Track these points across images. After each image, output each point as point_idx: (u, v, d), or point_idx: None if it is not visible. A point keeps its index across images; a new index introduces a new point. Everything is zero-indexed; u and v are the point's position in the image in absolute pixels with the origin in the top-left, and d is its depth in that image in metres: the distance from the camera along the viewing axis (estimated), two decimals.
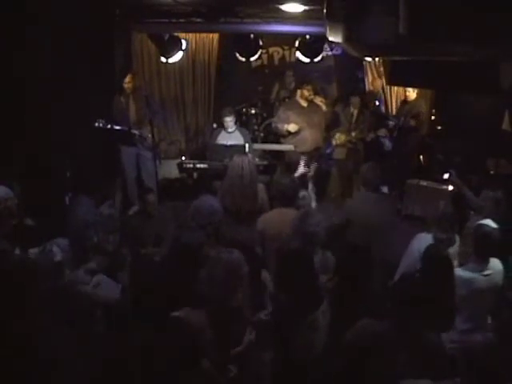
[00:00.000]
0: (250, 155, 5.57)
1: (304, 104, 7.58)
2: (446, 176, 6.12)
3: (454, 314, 3.79)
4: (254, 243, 4.44)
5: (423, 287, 3.39)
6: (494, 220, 4.47)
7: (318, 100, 7.78)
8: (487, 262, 4.15)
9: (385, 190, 7.58)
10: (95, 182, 6.04)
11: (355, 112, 8.03)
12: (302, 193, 5.27)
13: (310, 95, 7.55)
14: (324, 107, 7.81)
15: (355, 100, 8.15)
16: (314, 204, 7.18)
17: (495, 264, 4.18)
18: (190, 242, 3.80)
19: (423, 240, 4.43)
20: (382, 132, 8.04)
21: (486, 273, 4.11)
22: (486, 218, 4.77)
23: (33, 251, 3.89)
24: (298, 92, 7.69)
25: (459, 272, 4.16)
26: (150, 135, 6.98)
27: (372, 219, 4.83)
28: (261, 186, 5.45)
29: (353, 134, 7.84)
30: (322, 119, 7.73)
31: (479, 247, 4.16)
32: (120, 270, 4.04)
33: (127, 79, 7.17)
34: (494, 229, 4.21)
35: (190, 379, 2.82)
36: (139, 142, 7.16)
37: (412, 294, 3.12)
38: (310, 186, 6.30)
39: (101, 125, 6.72)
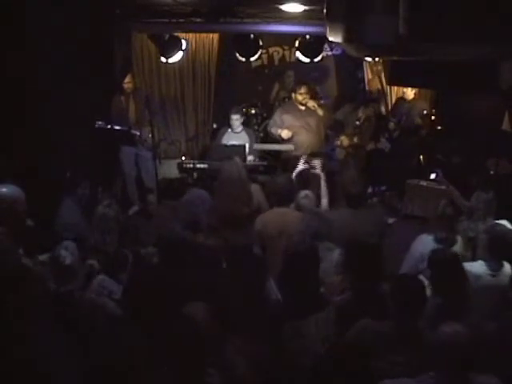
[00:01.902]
0: (237, 159, 5.49)
1: (301, 107, 7.26)
2: (432, 176, 6.11)
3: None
4: (252, 243, 4.42)
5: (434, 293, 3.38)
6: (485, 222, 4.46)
7: (311, 104, 7.23)
8: (500, 263, 4.07)
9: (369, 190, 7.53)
10: (94, 182, 6.03)
11: (363, 117, 8.00)
12: (304, 192, 5.20)
13: (303, 99, 7.17)
14: (320, 111, 7.25)
15: (370, 110, 8.11)
16: (325, 202, 7.05)
17: (505, 267, 4.10)
18: (176, 239, 3.82)
19: (425, 242, 4.41)
20: (383, 144, 8.04)
21: (495, 273, 4.04)
22: (477, 219, 4.78)
23: (42, 257, 3.89)
24: (293, 96, 7.42)
25: (468, 266, 4.09)
26: (150, 135, 6.99)
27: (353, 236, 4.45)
28: (256, 187, 5.43)
29: (355, 139, 7.80)
30: (320, 123, 7.33)
31: (493, 247, 4.10)
32: (122, 271, 4.04)
33: (127, 79, 7.18)
34: (509, 230, 4.17)
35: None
36: (139, 142, 7.16)
37: (412, 295, 3.11)
38: (323, 185, 6.09)
39: (101, 126, 6.72)
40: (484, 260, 4.13)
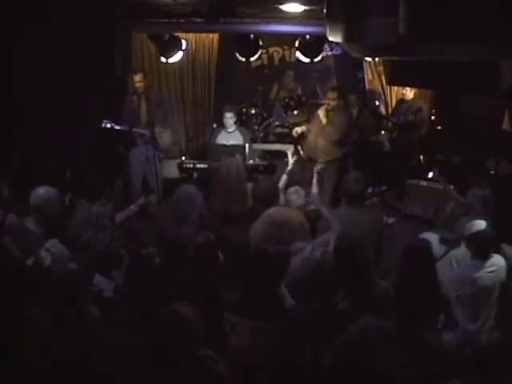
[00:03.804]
0: (238, 157, 5.47)
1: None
2: (430, 175, 6.12)
3: (439, 310, 3.76)
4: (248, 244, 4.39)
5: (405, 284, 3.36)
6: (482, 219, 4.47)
7: (320, 111, 7.12)
8: (489, 258, 4.13)
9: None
10: (94, 182, 6.04)
11: (354, 112, 7.98)
12: (294, 187, 5.14)
13: (327, 104, 7.05)
14: (323, 119, 7.05)
15: (351, 98, 8.10)
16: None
17: (498, 260, 4.16)
18: (179, 237, 3.83)
19: (430, 239, 4.40)
20: (383, 136, 8.02)
21: (490, 269, 4.09)
22: (474, 217, 4.79)
23: (29, 262, 3.90)
24: None
25: (463, 271, 4.18)
26: (163, 135, 6.98)
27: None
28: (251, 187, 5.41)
29: (354, 135, 7.78)
30: (320, 131, 7.12)
31: (480, 248, 4.15)
32: (114, 269, 4.04)
33: (137, 78, 7.06)
34: (488, 228, 4.21)
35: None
36: (150, 142, 7.05)
37: (413, 293, 3.11)
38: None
39: (108, 125, 6.67)
40: (476, 260, 4.16)
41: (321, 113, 7.06)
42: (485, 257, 4.13)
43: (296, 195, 5.02)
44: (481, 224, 4.24)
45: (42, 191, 4.40)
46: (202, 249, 3.75)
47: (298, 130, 7.58)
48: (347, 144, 7.69)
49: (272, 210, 4.73)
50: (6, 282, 3.04)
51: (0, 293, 3.00)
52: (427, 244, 3.90)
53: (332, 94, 7.09)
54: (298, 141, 7.73)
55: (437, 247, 4.31)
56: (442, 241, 4.43)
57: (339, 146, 7.16)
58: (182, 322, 2.80)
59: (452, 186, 6.10)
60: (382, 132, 8.14)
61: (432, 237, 4.45)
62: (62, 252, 3.96)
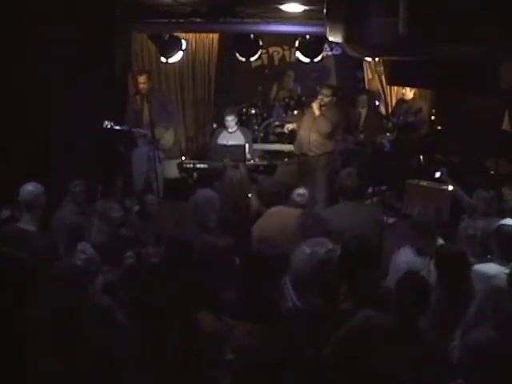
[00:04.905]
0: (242, 168, 5.51)
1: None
2: (437, 175, 6.12)
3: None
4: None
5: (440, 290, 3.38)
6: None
7: (314, 104, 7.20)
8: (511, 261, 4.04)
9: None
10: (94, 182, 6.03)
11: (363, 112, 7.97)
12: (300, 190, 5.16)
13: (320, 100, 7.14)
14: (316, 111, 7.12)
15: (362, 98, 8.10)
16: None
17: None
18: (184, 239, 3.82)
19: (408, 253, 4.36)
20: (388, 137, 8.05)
21: (508, 271, 3.93)
22: (477, 217, 4.77)
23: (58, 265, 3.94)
24: None
25: (480, 267, 4.10)
26: (165, 135, 6.97)
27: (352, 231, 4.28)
28: (254, 197, 5.42)
29: (361, 135, 7.79)
30: (313, 124, 7.17)
31: (503, 246, 4.10)
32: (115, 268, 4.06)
33: (142, 80, 7.07)
34: None
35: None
36: (152, 143, 7.02)
37: (415, 292, 3.10)
38: None
39: (109, 126, 6.66)
40: (495, 259, 4.13)
41: (314, 105, 7.17)
42: (507, 255, 4.04)
43: (301, 197, 5.04)
44: (508, 221, 4.22)
45: (30, 187, 4.43)
46: (222, 253, 3.74)
47: (290, 126, 7.72)
48: (351, 143, 7.74)
49: (274, 210, 4.75)
50: (5, 282, 3.03)
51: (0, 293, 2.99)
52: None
53: (327, 91, 7.24)
54: (290, 137, 7.76)
55: (414, 260, 4.24)
56: (418, 252, 4.33)
57: (330, 139, 7.29)
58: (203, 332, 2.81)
59: (451, 187, 6.11)
60: (388, 134, 8.15)
61: (408, 251, 4.39)
62: (92, 255, 3.97)
